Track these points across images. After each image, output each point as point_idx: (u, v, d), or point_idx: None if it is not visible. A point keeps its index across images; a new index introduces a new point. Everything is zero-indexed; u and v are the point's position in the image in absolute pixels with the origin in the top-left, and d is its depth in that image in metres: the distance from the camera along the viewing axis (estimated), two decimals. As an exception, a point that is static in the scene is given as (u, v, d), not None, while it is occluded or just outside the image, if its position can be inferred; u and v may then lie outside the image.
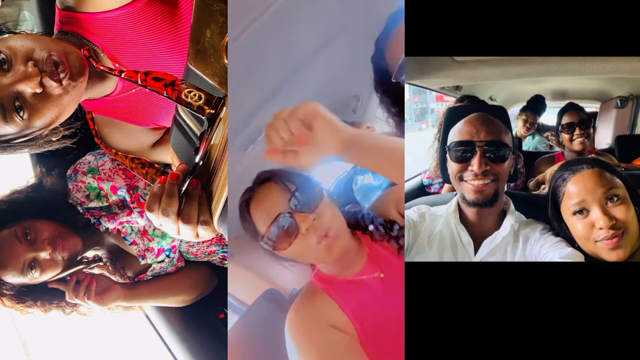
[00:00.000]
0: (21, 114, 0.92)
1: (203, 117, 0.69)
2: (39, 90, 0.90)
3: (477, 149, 0.87)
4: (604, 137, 1.63)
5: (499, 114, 0.93)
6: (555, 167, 1.05)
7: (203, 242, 1.41)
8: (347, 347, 0.70)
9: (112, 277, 1.34)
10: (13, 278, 1.20)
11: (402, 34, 0.76)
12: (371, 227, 0.77)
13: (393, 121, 0.87)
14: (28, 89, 0.89)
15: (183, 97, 0.69)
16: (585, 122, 1.42)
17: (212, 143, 0.71)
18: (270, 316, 0.89)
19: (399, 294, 0.72)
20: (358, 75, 0.83)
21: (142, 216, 1.31)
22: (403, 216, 0.80)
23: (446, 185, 1.40)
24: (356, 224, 0.78)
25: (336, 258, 0.73)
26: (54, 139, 1.08)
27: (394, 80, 0.78)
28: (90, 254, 1.35)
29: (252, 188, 0.75)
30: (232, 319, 1.01)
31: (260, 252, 0.74)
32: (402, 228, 0.78)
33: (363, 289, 0.75)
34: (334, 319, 0.72)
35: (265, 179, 0.74)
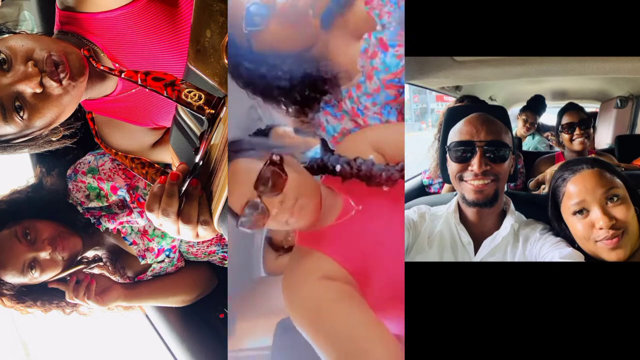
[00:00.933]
0: (21, 114, 0.92)
1: (203, 117, 0.69)
2: (39, 90, 0.90)
3: (477, 149, 0.87)
4: (604, 137, 1.63)
5: (499, 114, 0.93)
6: (555, 167, 1.05)
7: (203, 242, 1.41)
8: (340, 294, 0.70)
9: (112, 277, 1.34)
10: (13, 278, 1.20)
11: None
12: (338, 168, 0.76)
13: (291, 110, 0.85)
14: (28, 89, 0.89)
15: (183, 97, 0.69)
16: (585, 122, 1.42)
17: (212, 143, 0.71)
18: (294, 343, 0.88)
19: (380, 219, 0.73)
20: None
21: (142, 216, 1.31)
22: (383, 153, 0.77)
23: (446, 185, 1.39)
24: (324, 168, 0.76)
25: (313, 220, 0.74)
26: (54, 139, 1.08)
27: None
28: (90, 254, 1.35)
29: None
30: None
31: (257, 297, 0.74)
32: (366, 160, 0.75)
33: (346, 228, 0.75)
34: (324, 270, 0.72)
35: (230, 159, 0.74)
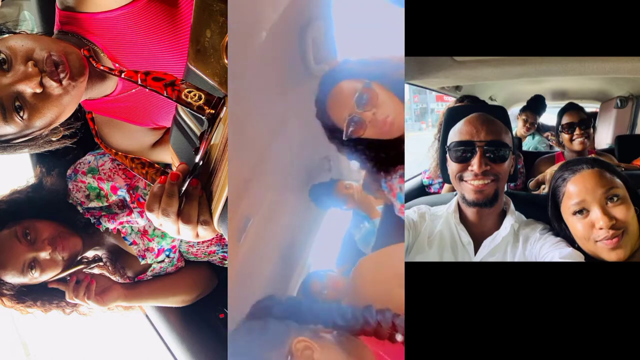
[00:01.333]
0: (21, 114, 0.92)
1: (203, 117, 0.69)
2: (39, 90, 0.90)
3: (477, 149, 0.87)
4: (604, 137, 1.63)
5: (499, 114, 0.93)
6: (555, 167, 1.05)
7: (203, 242, 1.41)
8: None
9: (112, 277, 1.34)
10: (13, 278, 1.20)
11: (340, 94, 0.83)
12: (399, 339, 0.68)
13: (364, 170, 0.94)
14: (28, 89, 0.89)
15: (183, 97, 0.69)
16: (585, 122, 1.42)
17: (212, 143, 0.71)
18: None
19: None
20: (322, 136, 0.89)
21: (142, 216, 1.31)
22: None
23: (446, 185, 1.40)
24: (365, 326, 0.69)
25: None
26: (54, 139, 1.08)
27: (345, 139, 0.85)
28: (90, 254, 1.35)
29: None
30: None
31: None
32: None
33: None
34: None
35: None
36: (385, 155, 0.87)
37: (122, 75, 0.73)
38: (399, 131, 0.84)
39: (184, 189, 0.72)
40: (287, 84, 0.89)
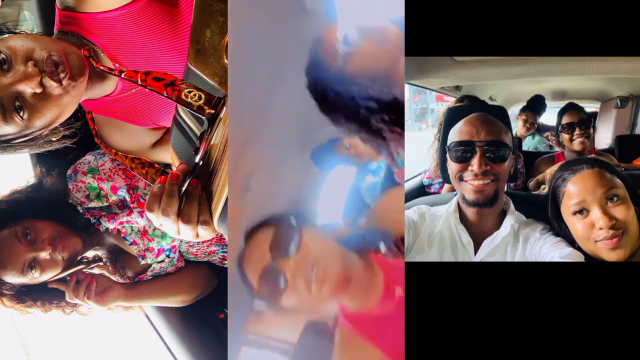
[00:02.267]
0: (21, 114, 0.92)
1: (203, 117, 0.69)
2: (39, 90, 0.90)
3: (477, 149, 0.87)
4: (604, 137, 1.63)
5: (499, 114, 0.93)
6: (555, 167, 1.05)
7: (203, 242, 1.41)
8: None
9: (112, 277, 1.34)
10: (13, 278, 1.20)
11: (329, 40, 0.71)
12: (382, 249, 0.70)
13: (359, 137, 0.85)
14: (28, 89, 0.89)
15: (183, 97, 0.69)
16: (585, 122, 1.42)
17: (212, 143, 0.71)
18: (318, 349, 0.86)
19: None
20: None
21: (142, 216, 1.31)
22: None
23: (446, 185, 1.39)
24: (365, 248, 0.70)
25: (338, 291, 0.68)
26: (54, 139, 1.08)
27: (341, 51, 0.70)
28: (90, 254, 1.35)
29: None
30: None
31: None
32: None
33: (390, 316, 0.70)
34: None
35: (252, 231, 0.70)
36: (382, 119, 0.79)
37: (122, 75, 0.73)
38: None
39: (184, 189, 0.72)
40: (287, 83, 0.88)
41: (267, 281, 0.66)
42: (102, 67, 0.82)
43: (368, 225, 0.72)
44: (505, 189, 0.92)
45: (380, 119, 0.76)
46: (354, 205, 0.92)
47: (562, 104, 1.48)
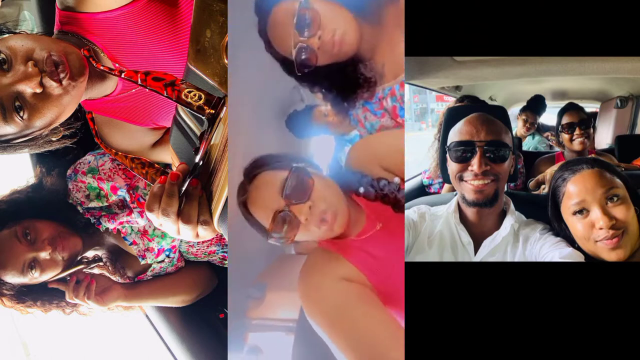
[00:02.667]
0: (21, 114, 0.92)
1: (203, 117, 0.69)
2: (39, 90, 0.90)
3: (477, 149, 0.87)
4: (604, 137, 1.63)
5: (499, 114, 0.93)
6: (555, 167, 1.05)
7: (203, 242, 1.41)
8: (360, 294, 0.70)
9: (112, 277, 1.34)
10: (13, 278, 1.20)
11: (277, 24, 0.73)
12: (361, 190, 0.76)
13: (328, 102, 0.85)
14: (28, 89, 0.89)
15: (183, 97, 0.69)
16: (585, 122, 1.42)
17: (212, 143, 0.71)
18: None
19: (398, 240, 0.75)
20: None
21: (142, 216, 1.31)
22: (389, 170, 0.78)
23: (446, 185, 1.40)
24: (349, 189, 0.77)
25: (342, 227, 0.75)
26: (54, 139, 1.08)
27: (299, 73, 0.75)
28: (90, 254, 1.35)
29: (245, 187, 0.75)
30: (287, 338, 1.02)
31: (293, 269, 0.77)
32: (391, 183, 0.76)
33: (366, 243, 0.76)
34: (344, 272, 0.73)
35: (255, 175, 0.74)
36: (341, 82, 0.78)
37: (122, 75, 0.73)
38: (351, 47, 0.74)
39: (184, 189, 0.72)
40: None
41: (279, 223, 0.71)
42: (102, 67, 0.82)
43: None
44: (505, 189, 0.92)
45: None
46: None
47: (562, 104, 1.48)
